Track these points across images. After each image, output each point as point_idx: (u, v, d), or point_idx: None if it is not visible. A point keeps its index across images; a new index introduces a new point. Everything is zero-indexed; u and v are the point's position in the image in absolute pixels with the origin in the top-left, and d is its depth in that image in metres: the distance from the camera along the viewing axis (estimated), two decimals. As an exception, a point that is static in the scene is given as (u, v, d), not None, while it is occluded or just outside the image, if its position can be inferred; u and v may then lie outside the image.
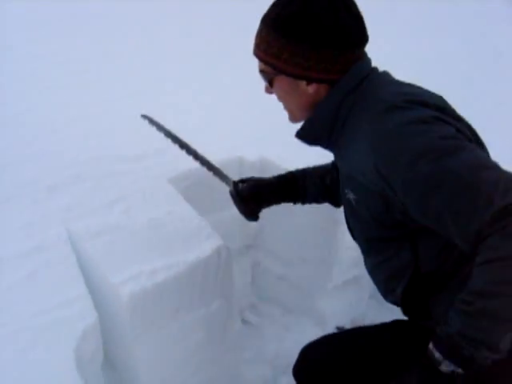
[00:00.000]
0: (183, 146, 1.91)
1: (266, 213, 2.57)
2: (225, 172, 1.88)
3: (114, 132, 2.61)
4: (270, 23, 1.35)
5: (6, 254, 1.88)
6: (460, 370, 1.13)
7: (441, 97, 1.37)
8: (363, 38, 1.39)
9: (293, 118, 1.51)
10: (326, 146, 1.51)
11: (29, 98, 2.96)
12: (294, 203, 1.88)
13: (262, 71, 1.43)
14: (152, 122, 1.95)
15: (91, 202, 2.12)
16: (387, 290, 1.53)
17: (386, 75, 1.44)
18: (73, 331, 1.62)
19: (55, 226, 1.99)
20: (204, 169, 1.92)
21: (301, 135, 1.51)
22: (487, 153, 1.34)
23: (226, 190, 2.36)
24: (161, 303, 1.81)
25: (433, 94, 1.37)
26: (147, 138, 2.48)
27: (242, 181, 1.84)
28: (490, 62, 3.30)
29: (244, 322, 2.68)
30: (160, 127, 1.95)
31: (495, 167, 1.15)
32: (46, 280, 1.78)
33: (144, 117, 1.95)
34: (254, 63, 1.43)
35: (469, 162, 1.13)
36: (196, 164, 1.99)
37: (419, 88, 1.39)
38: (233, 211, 2.52)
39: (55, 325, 1.63)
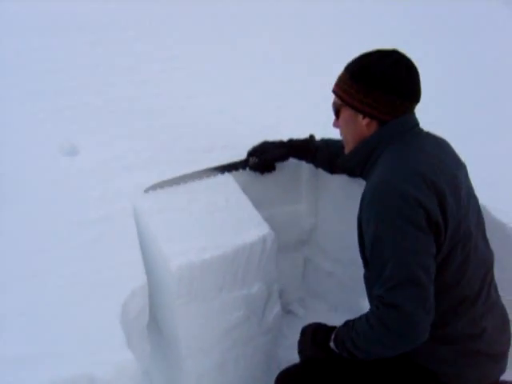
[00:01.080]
0: (193, 177, 2.36)
1: (322, 211, 2.74)
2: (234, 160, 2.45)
3: (188, 126, 2.83)
4: (348, 68, 1.75)
5: (79, 219, 2.15)
6: (336, 350, 1.73)
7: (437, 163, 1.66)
8: (415, 95, 1.71)
9: (347, 149, 1.85)
10: (360, 176, 1.87)
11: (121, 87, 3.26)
12: (304, 161, 2.43)
13: (334, 103, 1.82)
14: (157, 185, 2.31)
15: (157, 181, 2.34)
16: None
17: (421, 140, 1.73)
18: (122, 290, 1.85)
19: (123, 201, 2.24)
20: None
21: (341, 164, 2.03)
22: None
23: (284, 186, 2.56)
24: (206, 278, 2.00)
25: (441, 164, 1.66)
26: (218, 132, 2.73)
27: (255, 150, 2.40)
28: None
29: (290, 312, 2.84)
30: (166, 183, 2.31)
31: (408, 268, 1.51)
32: (107, 245, 2.03)
33: (147, 190, 2.30)
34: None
35: (398, 252, 1.53)
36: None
37: (435, 158, 1.68)
38: (289, 208, 2.71)
39: (108, 282, 1.87)
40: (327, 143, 2.30)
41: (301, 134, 2.39)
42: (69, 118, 2.86)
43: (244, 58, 3.73)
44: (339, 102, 1.77)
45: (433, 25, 3.81)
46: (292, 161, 2.49)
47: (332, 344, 1.74)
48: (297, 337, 2.00)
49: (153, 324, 2.16)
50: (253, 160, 2.40)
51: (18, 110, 2.91)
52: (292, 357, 2.45)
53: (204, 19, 4.27)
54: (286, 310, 2.82)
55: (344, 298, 2.74)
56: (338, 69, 1.80)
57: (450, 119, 2.50)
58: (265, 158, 2.39)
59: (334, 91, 1.80)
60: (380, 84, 1.65)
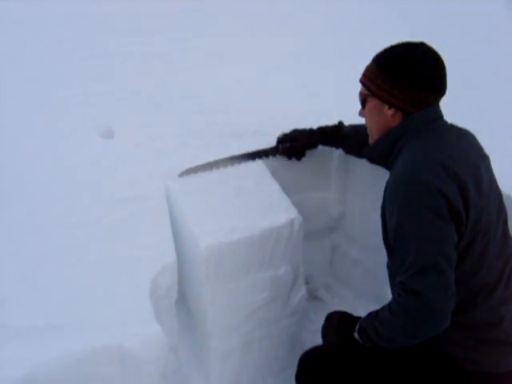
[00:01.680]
0: (225, 162, 2.38)
1: (350, 199, 2.76)
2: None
3: (220, 112, 2.88)
4: (376, 59, 1.77)
5: (114, 198, 2.23)
6: (360, 340, 1.76)
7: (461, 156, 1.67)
8: (441, 87, 1.73)
9: (370, 138, 1.89)
10: (384, 166, 1.95)
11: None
12: (334, 147, 2.49)
13: (360, 93, 1.84)
14: (191, 170, 2.34)
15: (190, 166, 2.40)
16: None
17: (444, 132, 1.74)
18: (153, 267, 1.92)
19: (156, 182, 2.31)
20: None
21: (366, 154, 2.09)
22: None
23: (313, 173, 2.59)
24: (233, 259, 2.06)
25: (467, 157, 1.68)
26: (249, 119, 2.78)
27: (285, 136, 2.43)
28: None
29: (317, 298, 2.87)
30: (199, 168, 2.34)
31: (429, 255, 1.54)
32: (140, 223, 2.10)
33: (181, 175, 2.33)
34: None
35: (420, 240, 1.55)
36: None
37: (459, 147, 1.70)
38: (318, 195, 2.74)
39: (139, 259, 1.94)
40: (356, 129, 2.33)
41: (330, 121, 2.41)
42: (106, 101, 2.95)
43: (277, 49, 3.77)
44: (366, 91, 1.81)
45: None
46: (322, 149, 2.52)
47: (356, 335, 1.78)
48: (322, 322, 2.03)
49: (181, 302, 2.23)
50: (283, 146, 2.43)
51: (60, 93, 3.02)
52: (316, 340, 2.48)
53: (238, 13, 4.33)
54: (313, 296, 2.86)
55: (370, 286, 2.76)
56: (367, 59, 1.83)
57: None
58: (295, 145, 2.42)
59: (361, 81, 1.83)
60: (406, 76, 1.68)
